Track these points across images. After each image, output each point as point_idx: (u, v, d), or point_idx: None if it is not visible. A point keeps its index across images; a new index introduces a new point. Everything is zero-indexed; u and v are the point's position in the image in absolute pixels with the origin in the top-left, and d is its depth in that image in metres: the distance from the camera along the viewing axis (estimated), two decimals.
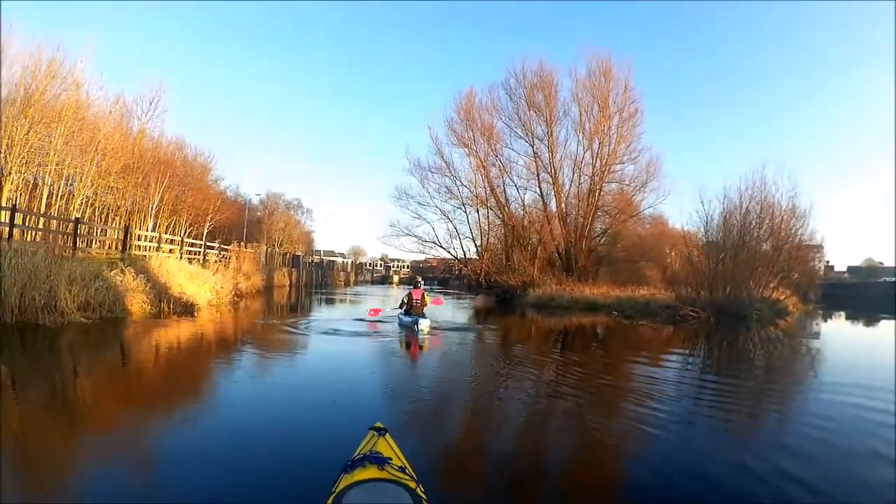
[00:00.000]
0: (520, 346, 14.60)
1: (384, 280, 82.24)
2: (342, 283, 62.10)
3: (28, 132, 19.32)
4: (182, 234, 27.48)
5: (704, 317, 20.87)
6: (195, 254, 26.59)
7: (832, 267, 66.62)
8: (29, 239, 16.59)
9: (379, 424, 3.42)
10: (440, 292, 43.89)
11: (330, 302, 31.44)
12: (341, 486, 2.70)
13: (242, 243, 35.68)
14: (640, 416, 6.39)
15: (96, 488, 3.84)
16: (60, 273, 13.09)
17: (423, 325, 14.15)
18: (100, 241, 21.43)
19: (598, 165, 33.89)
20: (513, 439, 5.64)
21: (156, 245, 22.02)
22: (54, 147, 20.54)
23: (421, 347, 12.29)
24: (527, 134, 35.08)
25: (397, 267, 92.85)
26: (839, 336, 20.53)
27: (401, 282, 73.42)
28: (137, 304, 15.49)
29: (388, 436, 3.32)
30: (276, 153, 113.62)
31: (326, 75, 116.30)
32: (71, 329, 11.94)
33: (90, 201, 24.35)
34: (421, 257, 61.34)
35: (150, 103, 30.88)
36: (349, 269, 75.02)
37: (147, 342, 11.94)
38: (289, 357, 10.91)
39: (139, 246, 21.49)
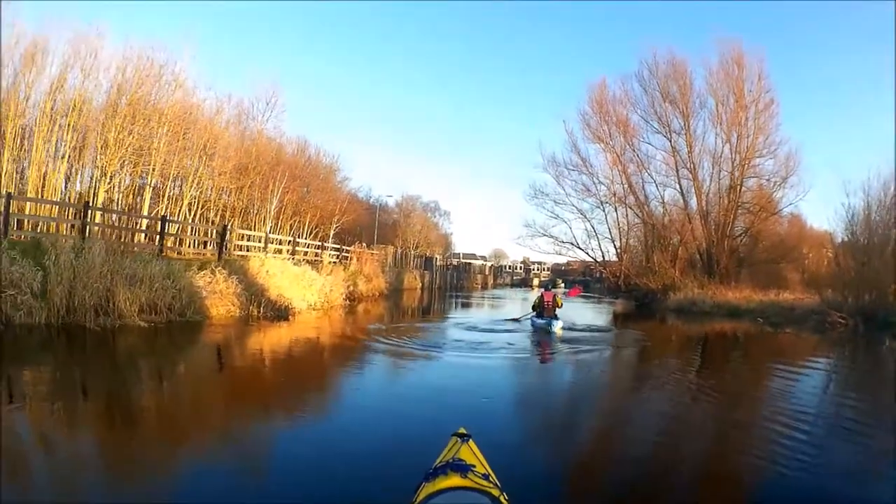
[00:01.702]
0: (658, 357, 12.55)
1: (524, 283, 78.45)
2: (479, 286, 59.23)
3: (119, 133, 18.18)
4: (299, 236, 25.62)
5: (852, 324, 17.70)
6: (309, 255, 24.65)
7: None
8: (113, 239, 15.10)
9: (462, 430, 3.22)
10: (580, 295, 40.80)
11: (460, 306, 29.31)
12: (422, 495, 2.54)
13: (365, 244, 33.71)
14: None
15: None
16: (119, 271, 11.07)
17: (556, 326, 13.97)
18: (200, 242, 19.84)
19: (737, 160, 30.08)
20: (621, 455, 5.09)
21: (262, 245, 20.07)
22: (156, 148, 19.42)
23: (553, 354, 11.58)
24: (663, 127, 31.68)
25: (537, 270, 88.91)
26: None
27: (541, 285, 69.92)
28: (223, 306, 13.51)
29: (471, 442, 3.10)
30: (414, 156, 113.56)
31: (457, 75, 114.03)
32: (121, 332, 10.33)
33: (202, 203, 23.34)
34: (561, 260, 58.02)
35: (267, 103, 29.66)
36: (487, 272, 71.67)
37: (196, 350, 10.41)
38: (372, 369, 9.35)
39: (243, 246, 19.65)
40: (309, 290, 17.52)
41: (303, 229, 30.55)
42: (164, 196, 20.66)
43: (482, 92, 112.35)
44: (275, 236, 22.79)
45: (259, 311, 13.99)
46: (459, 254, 72.17)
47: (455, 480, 2.60)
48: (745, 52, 30.15)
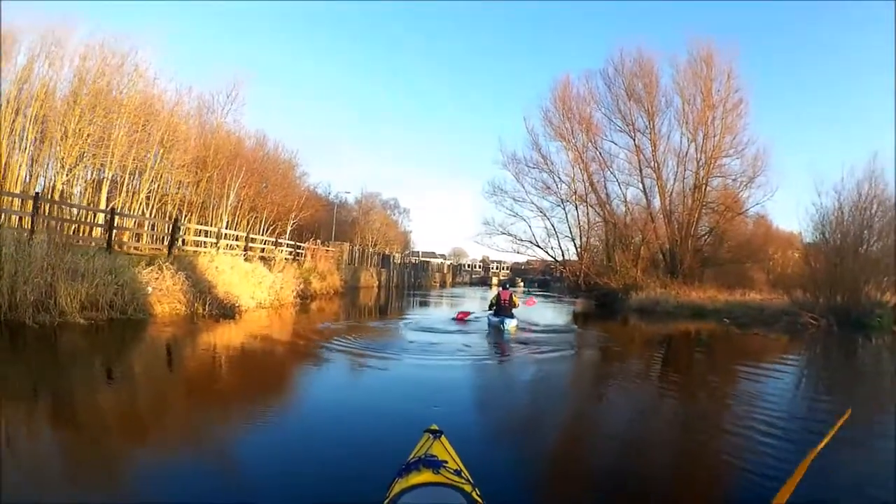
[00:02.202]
0: (622, 360, 12.13)
1: (483, 282, 78.65)
2: (437, 285, 59.55)
3: (78, 123, 18.03)
4: (256, 232, 25.40)
5: (824, 325, 17.84)
6: (265, 251, 24.42)
7: None
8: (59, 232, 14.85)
9: (434, 427, 3.27)
10: (539, 294, 41.08)
11: (417, 304, 29.12)
12: (395, 489, 2.57)
13: (320, 241, 33.45)
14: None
15: None
16: (60, 265, 10.94)
17: (509, 324, 14.19)
18: (158, 237, 19.59)
19: (702, 159, 30.34)
20: (585, 452, 5.40)
21: (215, 241, 19.91)
22: (115, 139, 19.39)
23: (507, 354, 11.45)
24: (627, 126, 31.84)
25: (497, 269, 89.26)
26: None
27: (499, 283, 70.22)
28: (168, 304, 13.37)
29: (443, 438, 3.15)
30: (374, 155, 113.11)
31: (420, 75, 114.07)
32: (61, 330, 10.02)
33: (160, 197, 23.10)
34: (521, 259, 58.32)
35: (228, 96, 29.37)
36: (445, 271, 71.97)
37: (133, 351, 10.08)
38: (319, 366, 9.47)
39: (195, 242, 19.52)
40: (259, 287, 17.37)
41: (260, 225, 30.37)
42: (121, 189, 20.45)
43: (446, 90, 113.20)
44: (229, 231, 22.61)
45: (204, 309, 13.84)
46: (419, 252, 72.12)
47: (428, 476, 2.65)
48: (715, 50, 30.39)
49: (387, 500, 2.51)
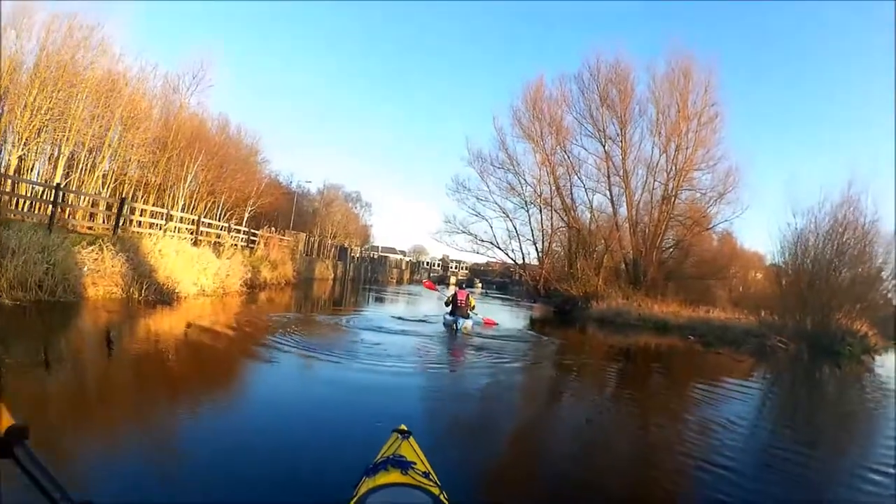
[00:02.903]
0: (581, 373, 11.60)
1: (441, 280, 78.27)
2: (394, 281, 58.96)
3: (37, 95, 17.43)
4: (213, 217, 24.72)
5: (793, 349, 17.44)
6: (215, 237, 23.74)
7: None
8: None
9: (403, 427, 3.26)
10: (497, 297, 40.94)
11: (372, 300, 28.65)
12: (363, 489, 2.57)
13: (275, 230, 32.79)
14: None
15: None
16: None
17: (464, 324, 14.32)
18: (108, 217, 18.92)
19: (672, 171, 29.91)
20: (544, 456, 5.58)
21: (163, 223, 19.32)
22: (74, 114, 18.85)
23: (460, 360, 11.22)
24: (598, 132, 31.21)
25: (456, 268, 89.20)
26: None
27: (457, 283, 70.05)
28: (104, 286, 12.91)
29: (411, 439, 3.15)
30: (340, 146, 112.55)
31: (386, 69, 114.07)
32: None
33: (116, 176, 22.41)
34: (482, 259, 58.00)
35: (194, 77, 28.60)
36: (404, 267, 71.34)
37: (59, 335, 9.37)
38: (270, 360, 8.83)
39: (143, 223, 18.91)
40: (203, 273, 16.92)
41: (217, 210, 29.70)
42: (77, 166, 19.90)
43: (416, 87, 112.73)
44: (179, 214, 21.92)
45: (141, 294, 13.41)
46: (378, 247, 71.68)
47: (395, 477, 2.63)
48: (694, 62, 29.85)
49: (354, 500, 2.50)
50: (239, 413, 5.92)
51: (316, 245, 39.90)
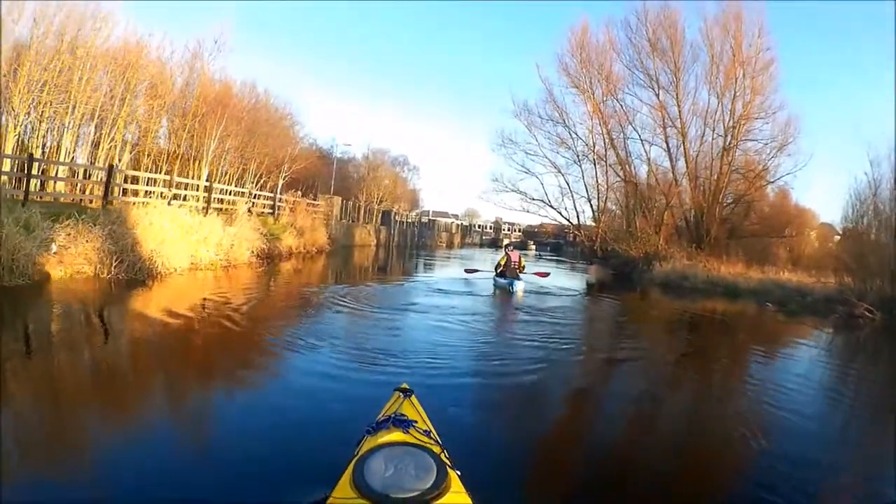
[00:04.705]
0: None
1: (493, 244, 74.12)
2: (444, 245, 55.97)
3: (31, 66, 16.52)
4: (213, 182, 22.62)
5: (880, 319, 13.94)
6: (226, 203, 21.55)
7: None
8: None
9: (405, 385, 3.28)
10: (551, 259, 38.02)
11: (419, 266, 26.06)
12: (364, 448, 2.55)
13: (311, 195, 30.55)
14: None
15: None
16: None
17: (518, 287, 13.81)
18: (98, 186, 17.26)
19: (730, 121, 26.62)
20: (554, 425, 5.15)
21: (163, 191, 17.26)
22: (75, 85, 17.89)
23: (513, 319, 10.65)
24: (650, 81, 27.98)
25: (508, 230, 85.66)
26: None
27: (508, 245, 66.95)
28: (71, 266, 10.88)
29: (413, 398, 3.16)
30: (383, 110, 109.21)
31: (429, 21, 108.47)
32: None
33: (130, 148, 21.10)
34: (536, 221, 55.00)
35: (216, 42, 26.34)
36: (454, 230, 67.89)
37: None
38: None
39: (143, 192, 16.94)
40: (203, 244, 14.87)
41: (248, 177, 27.90)
42: (88, 139, 19.34)
43: (462, 43, 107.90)
44: (184, 180, 19.81)
45: (110, 273, 11.36)
46: (429, 211, 69.11)
47: (397, 435, 2.58)
48: (743, 5, 26.63)
49: (356, 458, 2.42)
50: None
51: (356, 210, 37.55)
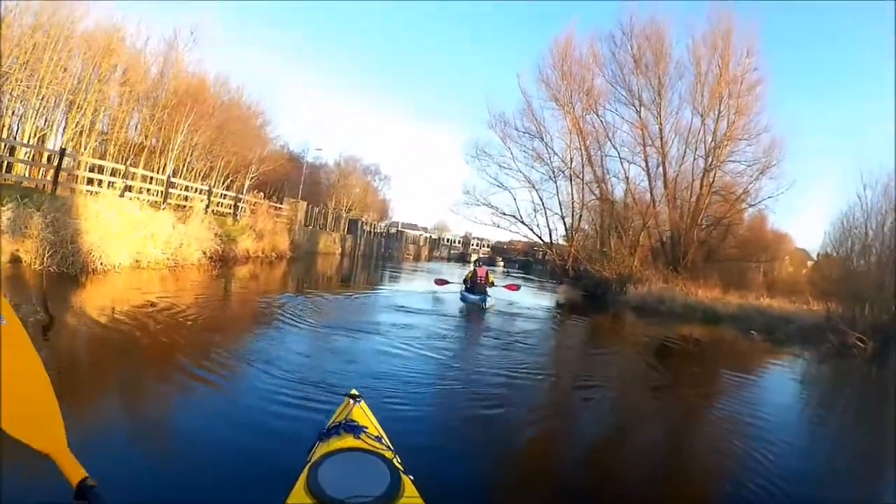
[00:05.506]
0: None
1: (461, 258, 72.73)
2: (411, 257, 55.24)
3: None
4: (169, 176, 21.89)
5: (871, 349, 13.68)
6: (188, 200, 20.85)
7: None
8: None
9: (354, 392, 3.21)
10: (519, 276, 37.41)
11: (382, 279, 25.23)
12: (317, 454, 2.44)
13: (265, 196, 29.51)
14: None
15: None
16: None
17: (488, 302, 13.92)
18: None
19: (712, 142, 26.08)
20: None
21: (118, 181, 16.58)
22: (44, 68, 17.45)
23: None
24: (631, 98, 27.30)
25: (478, 246, 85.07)
26: None
27: (477, 261, 66.28)
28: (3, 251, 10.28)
29: (363, 403, 3.09)
30: (361, 118, 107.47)
31: (411, 27, 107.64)
32: None
33: (96, 135, 20.51)
34: (505, 237, 54.01)
35: (192, 33, 25.65)
36: (422, 243, 66.74)
37: None
38: None
39: (97, 181, 16.21)
40: (151, 241, 14.24)
41: (215, 176, 27.20)
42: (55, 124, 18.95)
43: (440, 57, 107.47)
44: (141, 171, 19.05)
45: (43, 263, 10.69)
46: (398, 222, 68.42)
47: (349, 441, 2.55)
48: (735, 22, 25.96)
49: (308, 464, 2.32)
50: None
51: (322, 216, 36.84)
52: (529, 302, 18.59)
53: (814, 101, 57.20)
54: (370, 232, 45.95)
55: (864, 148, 45.90)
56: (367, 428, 2.67)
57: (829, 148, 56.53)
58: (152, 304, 9.18)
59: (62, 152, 14.77)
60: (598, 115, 28.57)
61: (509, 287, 16.87)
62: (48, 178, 14.98)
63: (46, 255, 10.74)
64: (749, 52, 25.91)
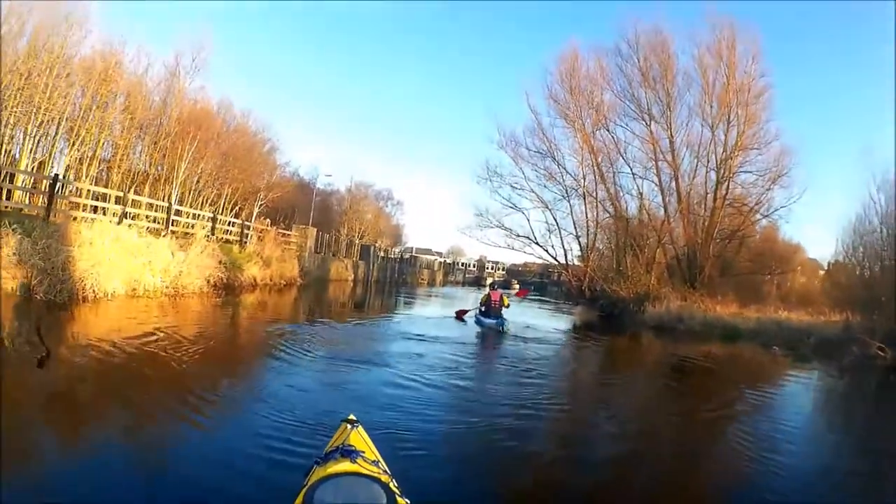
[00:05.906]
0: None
1: (476, 282, 70.12)
2: (425, 283, 54.17)
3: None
4: (172, 203, 21.09)
5: (891, 356, 13.15)
6: (196, 227, 19.90)
7: None
8: None
9: (352, 417, 3.25)
10: (535, 298, 36.23)
11: (396, 305, 24.26)
12: (313, 478, 2.47)
13: (271, 224, 28.72)
14: None
15: None
16: None
17: (507, 326, 14.10)
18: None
19: (723, 153, 25.12)
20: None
21: (114, 207, 15.95)
22: (40, 94, 16.78)
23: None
24: (641, 113, 26.42)
25: (492, 269, 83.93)
26: None
27: (491, 284, 65.04)
28: None
29: (360, 428, 3.13)
30: (376, 146, 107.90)
31: (423, 65, 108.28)
32: None
33: (97, 162, 20.08)
34: (519, 259, 53.23)
35: (193, 59, 25.25)
36: (436, 268, 65.57)
37: None
38: None
39: (95, 207, 15.55)
40: (148, 269, 13.47)
41: (223, 203, 26.59)
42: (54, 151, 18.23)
43: (451, 82, 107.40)
44: (142, 199, 18.26)
45: (30, 291, 9.88)
46: (412, 247, 67.81)
47: (345, 466, 2.54)
48: (738, 30, 25.22)
49: (305, 488, 2.35)
50: None
51: (335, 242, 36.03)
52: (545, 324, 18.19)
53: (815, 103, 56.35)
54: (383, 258, 45.20)
55: (872, 150, 45.03)
56: (364, 452, 2.68)
57: (833, 153, 55.41)
58: (146, 335, 8.37)
59: (55, 178, 14.12)
60: (608, 131, 27.74)
61: (519, 294, 17.50)
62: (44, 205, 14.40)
63: (33, 283, 9.97)
64: (754, 57, 25.25)
